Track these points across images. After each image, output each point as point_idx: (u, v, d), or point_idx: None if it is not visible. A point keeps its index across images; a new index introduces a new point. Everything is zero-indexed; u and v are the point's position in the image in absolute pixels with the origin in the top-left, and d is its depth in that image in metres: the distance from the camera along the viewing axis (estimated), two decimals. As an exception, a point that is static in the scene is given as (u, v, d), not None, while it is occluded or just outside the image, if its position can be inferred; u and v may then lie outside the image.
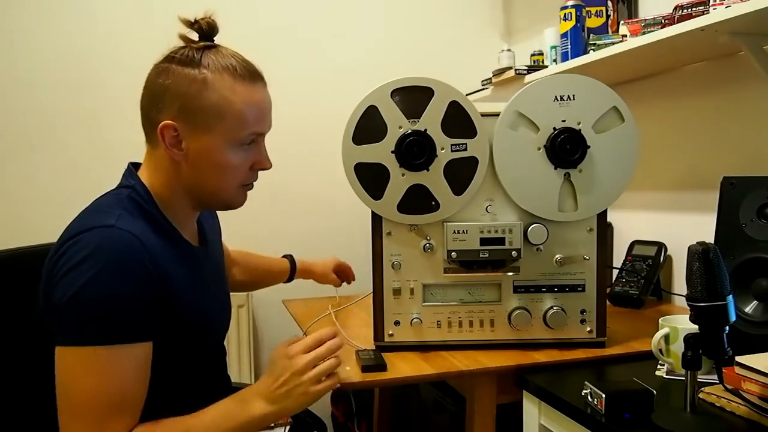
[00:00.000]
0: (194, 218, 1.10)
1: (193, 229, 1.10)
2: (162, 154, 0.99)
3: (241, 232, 2.15)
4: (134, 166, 1.05)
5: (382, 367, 1.15)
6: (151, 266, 0.90)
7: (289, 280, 1.63)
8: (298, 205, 2.26)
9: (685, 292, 0.90)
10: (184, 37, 1.00)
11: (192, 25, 1.00)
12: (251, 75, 1.00)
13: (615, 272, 1.72)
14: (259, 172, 1.08)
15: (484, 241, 1.21)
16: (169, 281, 0.94)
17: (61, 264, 0.89)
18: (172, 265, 0.96)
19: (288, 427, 1.28)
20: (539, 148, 1.21)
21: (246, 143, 1.00)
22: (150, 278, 0.90)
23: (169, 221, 1.01)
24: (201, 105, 0.96)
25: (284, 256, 1.64)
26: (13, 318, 1.09)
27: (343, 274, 1.70)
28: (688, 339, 0.90)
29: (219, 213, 1.27)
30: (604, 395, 0.93)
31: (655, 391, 0.95)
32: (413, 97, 1.20)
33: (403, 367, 1.17)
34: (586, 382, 0.99)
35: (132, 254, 0.89)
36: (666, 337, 1.11)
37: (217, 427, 0.91)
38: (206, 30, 1.01)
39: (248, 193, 1.10)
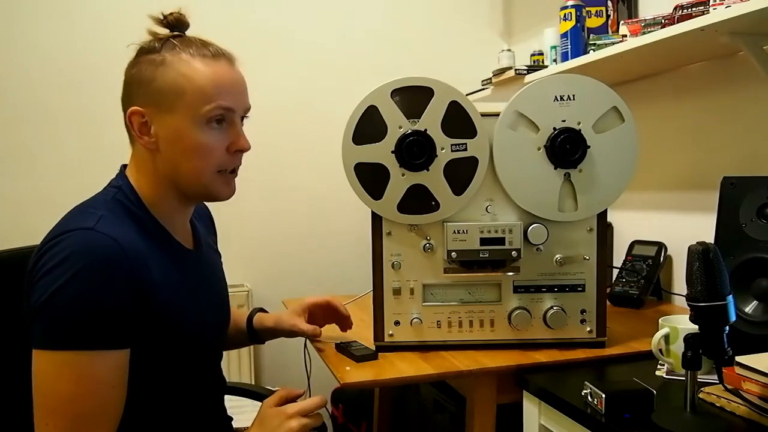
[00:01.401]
0: (185, 217, 1.08)
1: (186, 231, 1.09)
2: (140, 147, 0.99)
3: (241, 232, 2.16)
4: (125, 168, 1.04)
5: (375, 355, 1.21)
6: (130, 271, 0.89)
7: (255, 339, 1.35)
8: (298, 206, 2.26)
9: (685, 292, 0.90)
10: (151, 32, 1.01)
11: (161, 21, 1.01)
12: (213, 53, 0.99)
13: (615, 272, 1.72)
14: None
15: (484, 241, 1.21)
16: (151, 285, 0.92)
17: (39, 266, 0.88)
18: (157, 268, 0.94)
19: None
20: (539, 148, 1.21)
21: (214, 120, 0.97)
22: (128, 283, 0.88)
23: (158, 222, 1.00)
24: (160, 85, 0.95)
25: (253, 311, 1.36)
26: (13, 318, 1.09)
27: (327, 315, 1.35)
28: (688, 339, 0.90)
29: (218, 215, 1.27)
30: (604, 395, 0.93)
31: (655, 391, 0.95)
32: (413, 97, 1.20)
33: (403, 367, 1.18)
34: (586, 382, 0.99)
35: (109, 259, 0.87)
36: (666, 337, 1.11)
37: None
38: (174, 25, 1.01)
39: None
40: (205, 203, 1.24)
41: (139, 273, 0.90)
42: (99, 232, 0.88)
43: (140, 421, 0.95)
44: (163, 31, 1.01)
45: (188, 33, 1.03)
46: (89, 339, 0.86)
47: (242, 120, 1.04)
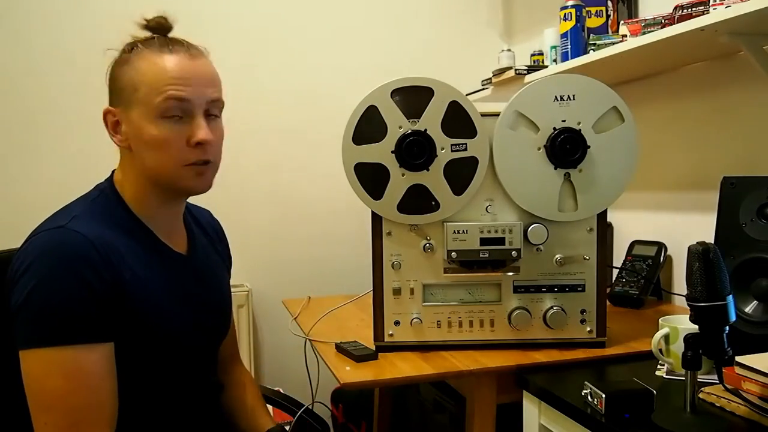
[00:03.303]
0: (172, 218, 1.08)
1: (177, 233, 1.09)
2: (120, 148, 1.02)
3: (241, 232, 2.15)
4: (114, 172, 1.07)
5: (374, 355, 1.21)
6: (102, 264, 0.90)
7: None
8: (298, 205, 2.26)
9: (685, 292, 0.90)
10: (133, 36, 1.02)
11: (144, 26, 1.03)
12: (171, 48, 0.98)
13: (615, 272, 1.72)
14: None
15: (484, 241, 1.21)
16: (127, 281, 0.93)
17: (15, 268, 0.91)
18: (135, 266, 0.96)
19: (289, 428, 1.27)
20: (539, 148, 1.21)
21: (168, 114, 0.96)
22: (100, 279, 0.90)
23: (140, 222, 1.01)
24: (122, 83, 0.98)
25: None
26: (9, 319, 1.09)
27: None
28: (688, 339, 0.90)
29: (218, 215, 1.26)
30: (604, 395, 0.93)
31: (655, 391, 0.95)
32: (413, 97, 1.20)
33: (403, 367, 1.18)
34: (586, 382, 0.99)
35: (77, 253, 0.89)
36: (666, 337, 1.11)
37: None
38: (156, 28, 1.02)
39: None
40: (214, 216, 1.26)
41: (112, 267, 0.92)
42: (69, 229, 0.91)
43: (131, 423, 0.95)
44: (146, 35, 1.01)
45: (180, 35, 1.03)
46: (70, 333, 0.87)
47: (214, 114, 1.02)
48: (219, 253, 1.22)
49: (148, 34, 1.01)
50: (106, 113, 1.01)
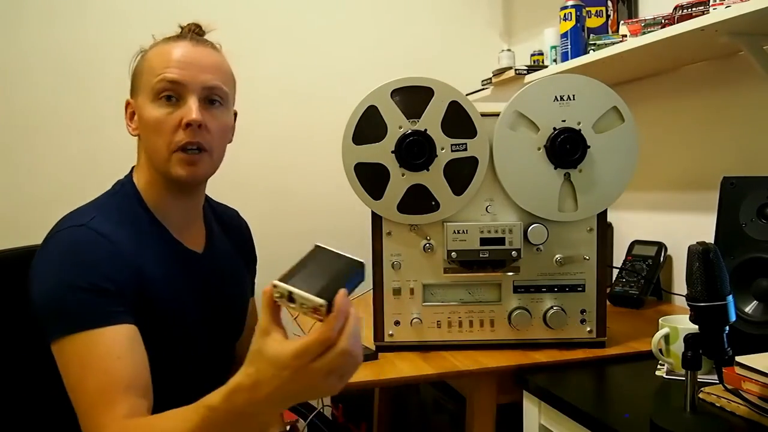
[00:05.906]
0: (185, 214, 1.08)
1: (193, 229, 1.10)
2: (138, 141, 1.05)
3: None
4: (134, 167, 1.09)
5: (374, 355, 1.22)
6: (121, 262, 0.92)
7: None
8: (298, 205, 2.26)
9: (685, 292, 0.90)
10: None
11: (180, 30, 1.07)
12: (177, 36, 1.04)
13: (615, 272, 1.72)
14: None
15: (484, 241, 1.21)
16: (144, 279, 0.94)
17: (35, 265, 0.93)
18: (151, 265, 0.97)
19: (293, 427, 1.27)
20: (539, 148, 1.21)
21: (162, 96, 0.98)
22: (119, 271, 0.91)
23: (155, 219, 1.03)
24: (133, 73, 1.04)
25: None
26: (12, 317, 1.09)
27: None
28: (688, 339, 0.90)
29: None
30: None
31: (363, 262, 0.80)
32: (413, 97, 1.20)
33: (403, 367, 1.17)
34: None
35: (97, 250, 0.91)
36: (666, 337, 1.11)
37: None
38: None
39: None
40: (241, 216, 1.29)
41: (132, 267, 0.93)
42: (89, 228, 0.93)
43: None
44: None
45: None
46: (92, 318, 0.88)
47: (216, 101, 1.02)
48: (242, 254, 1.23)
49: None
50: (126, 106, 1.05)
